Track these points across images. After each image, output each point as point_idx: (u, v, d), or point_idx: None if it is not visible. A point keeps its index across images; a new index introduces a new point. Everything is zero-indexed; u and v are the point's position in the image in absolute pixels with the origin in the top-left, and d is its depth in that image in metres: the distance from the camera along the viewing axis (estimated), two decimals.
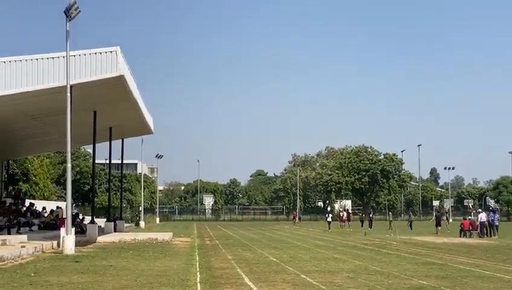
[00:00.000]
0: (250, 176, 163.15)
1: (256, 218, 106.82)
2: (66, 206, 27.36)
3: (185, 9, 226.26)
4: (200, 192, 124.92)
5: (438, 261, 21.56)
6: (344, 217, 62.99)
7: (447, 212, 78.97)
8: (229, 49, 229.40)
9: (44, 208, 42.87)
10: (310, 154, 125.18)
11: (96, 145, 36.79)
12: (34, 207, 41.86)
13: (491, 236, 40.46)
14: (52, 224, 37.03)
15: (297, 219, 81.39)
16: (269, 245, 31.45)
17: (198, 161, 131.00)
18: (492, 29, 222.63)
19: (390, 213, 65.43)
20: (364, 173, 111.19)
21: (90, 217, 36.45)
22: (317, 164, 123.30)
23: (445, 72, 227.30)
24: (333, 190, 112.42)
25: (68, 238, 24.85)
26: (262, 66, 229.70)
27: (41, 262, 20.39)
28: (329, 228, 56.80)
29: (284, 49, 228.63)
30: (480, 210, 46.15)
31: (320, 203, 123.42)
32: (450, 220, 73.50)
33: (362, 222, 61.89)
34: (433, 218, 56.23)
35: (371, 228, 56.46)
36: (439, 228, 48.92)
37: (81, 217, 42.48)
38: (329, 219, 60.71)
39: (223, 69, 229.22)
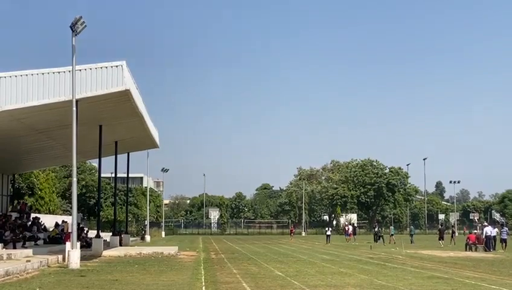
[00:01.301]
0: (256, 190, 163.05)
1: (261, 232, 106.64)
2: (71, 220, 27.38)
3: (192, 22, 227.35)
4: (206, 206, 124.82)
5: (443, 275, 21.49)
6: (350, 231, 62.89)
7: (453, 226, 78.59)
8: (234, 63, 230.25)
9: (57, 223, 42.76)
10: (316, 168, 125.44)
11: (102, 159, 36.83)
12: (40, 221, 41.90)
13: (495, 249, 40.33)
14: (57, 238, 37.09)
15: (292, 234, 79.50)
16: (275, 259, 31.39)
17: (204, 174, 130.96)
18: (498, 36, 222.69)
19: (391, 227, 65.01)
20: (369, 187, 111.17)
21: (95, 231, 36.46)
22: (323, 178, 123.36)
23: (451, 85, 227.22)
24: (339, 203, 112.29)
25: (73, 253, 24.84)
26: (268, 79, 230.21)
27: (47, 276, 20.40)
28: (327, 242, 57.16)
29: (287, 61, 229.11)
30: (486, 223, 45.99)
31: (326, 217, 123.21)
32: (456, 234, 73.24)
33: (382, 237, 57.72)
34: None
35: (377, 241, 56.26)
36: (443, 241, 48.97)
37: (86, 230, 42.51)
38: (328, 233, 61.03)
39: (228, 82, 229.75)
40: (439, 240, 49.51)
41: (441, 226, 60.20)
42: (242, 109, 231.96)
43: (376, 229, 62.31)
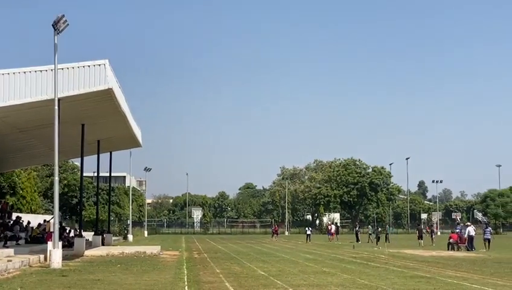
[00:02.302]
0: (239, 189, 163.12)
1: (244, 231, 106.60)
2: (53, 219, 27.19)
3: (173, 22, 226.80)
4: (189, 205, 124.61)
5: (426, 275, 21.58)
6: (332, 231, 63.07)
7: (432, 226, 79.07)
8: (216, 63, 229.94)
9: (29, 222, 42.34)
10: (299, 167, 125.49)
11: (85, 158, 36.65)
12: (21, 221, 41.56)
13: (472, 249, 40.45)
14: (39, 238, 36.80)
15: (275, 234, 73.16)
16: (257, 258, 31.37)
17: (187, 174, 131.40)
18: (484, 42, 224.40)
19: (369, 226, 65.16)
20: (352, 186, 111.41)
21: (77, 231, 36.24)
22: (306, 177, 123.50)
23: (433, 85, 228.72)
24: (322, 203, 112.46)
25: (55, 252, 24.67)
26: (250, 79, 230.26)
27: (28, 276, 20.24)
28: (307, 241, 58.77)
29: (271, 61, 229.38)
30: (469, 223, 46.24)
31: (309, 216, 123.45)
32: (438, 233, 73.57)
33: (379, 238, 51.85)
34: (425, 231, 56.51)
35: (359, 241, 56.39)
36: (421, 241, 49.40)
37: (68, 230, 42.23)
38: (308, 232, 62.21)
39: (211, 82, 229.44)
40: (418, 239, 49.95)
41: (418, 225, 60.54)
42: (225, 108, 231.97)
43: (357, 229, 62.64)
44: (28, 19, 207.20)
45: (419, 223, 70.21)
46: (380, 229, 59.55)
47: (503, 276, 21.48)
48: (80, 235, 34.09)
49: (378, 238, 52.42)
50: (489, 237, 42.97)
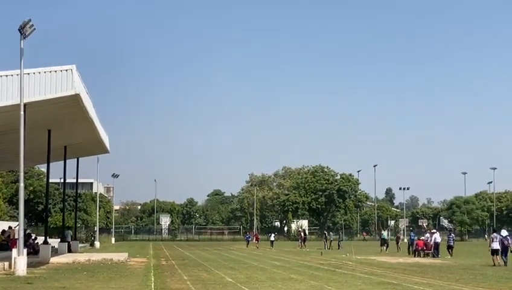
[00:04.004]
0: (207, 196, 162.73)
1: (213, 238, 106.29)
2: (18, 226, 26.81)
3: (144, 27, 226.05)
4: (157, 212, 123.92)
5: (392, 281, 21.74)
6: (303, 237, 63.38)
7: (398, 232, 79.80)
8: (183, 65, 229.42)
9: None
10: (267, 174, 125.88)
11: (51, 164, 36.25)
12: None
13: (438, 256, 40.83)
14: (3, 245, 36.28)
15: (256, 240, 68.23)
16: (226, 265, 31.33)
17: (155, 180, 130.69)
18: (456, 49, 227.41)
19: (330, 233, 65.64)
20: (321, 193, 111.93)
21: (43, 238, 35.80)
22: (274, 184, 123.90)
23: (401, 92, 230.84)
24: (290, 209, 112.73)
25: (20, 260, 24.32)
26: (218, 83, 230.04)
27: None
28: (272, 246, 60.47)
29: (243, 70, 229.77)
30: (434, 230, 46.74)
31: (277, 223, 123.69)
32: (405, 240, 74.12)
33: (384, 243, 50.38)
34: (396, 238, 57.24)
35: (326, 248, 56.73)
36: (384, 247, 49.86)
37: (33, 237, 41.69)
38: (272, 238, 64.14)
39: (178, 86, 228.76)
40: (381, 246, 50.42)
41: (383, 232, 61.19)
42: (193, 113, 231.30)
43: (327, 235, 62.99)
44: None
45: (384, 230, 70.90)
46: (327, 234, 60.77)
47: (468, 282, 21.76)
48: (46, 242, 33.66)
49: (384, 244, 51.32)
50: (452, 243, 43.45)
